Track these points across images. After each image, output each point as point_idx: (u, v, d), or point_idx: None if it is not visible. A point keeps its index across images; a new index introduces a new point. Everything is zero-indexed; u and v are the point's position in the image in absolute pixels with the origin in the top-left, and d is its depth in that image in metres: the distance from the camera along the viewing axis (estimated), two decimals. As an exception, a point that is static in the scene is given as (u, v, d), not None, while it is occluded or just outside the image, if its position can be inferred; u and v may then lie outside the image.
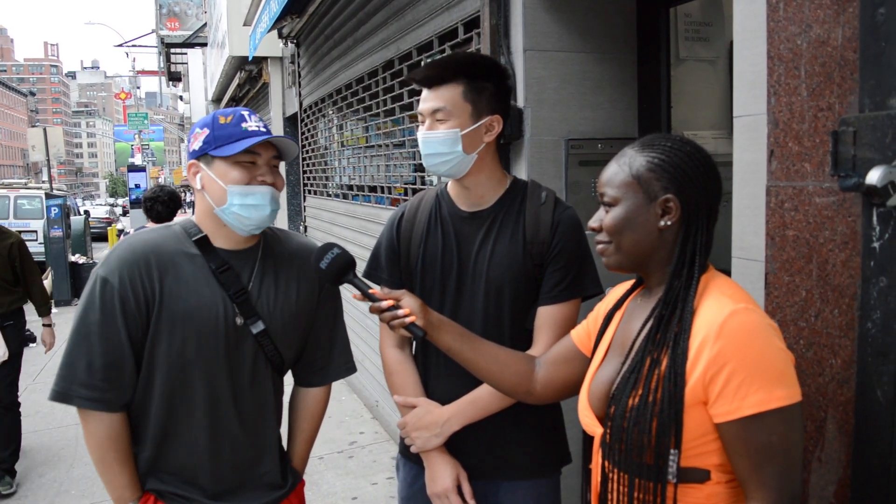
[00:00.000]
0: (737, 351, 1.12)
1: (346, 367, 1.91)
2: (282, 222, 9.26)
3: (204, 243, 1.67)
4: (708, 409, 1.15)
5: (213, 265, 1.65)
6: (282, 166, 9.93)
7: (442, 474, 1.78)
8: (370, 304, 1.52)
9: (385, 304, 1.50)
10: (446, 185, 1.90)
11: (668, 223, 1.24)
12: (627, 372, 1.25)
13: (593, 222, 1.33)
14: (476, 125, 1.74)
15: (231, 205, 1.61)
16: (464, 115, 1.73)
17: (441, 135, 1.73)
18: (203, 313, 1.62)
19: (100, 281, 1.61)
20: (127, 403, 1.65)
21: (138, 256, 1.61)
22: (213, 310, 1.63)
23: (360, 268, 1.94)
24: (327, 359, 1.88)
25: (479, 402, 1.78)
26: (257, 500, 1.74)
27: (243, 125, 1.63)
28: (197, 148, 1.66)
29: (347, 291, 1.67)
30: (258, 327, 1.68)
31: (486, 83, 1.75)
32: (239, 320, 1.66)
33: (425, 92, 1.78)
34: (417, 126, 1.85)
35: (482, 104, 1.74)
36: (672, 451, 1.17)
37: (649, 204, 1.25)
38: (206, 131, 1.64)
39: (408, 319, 1.50)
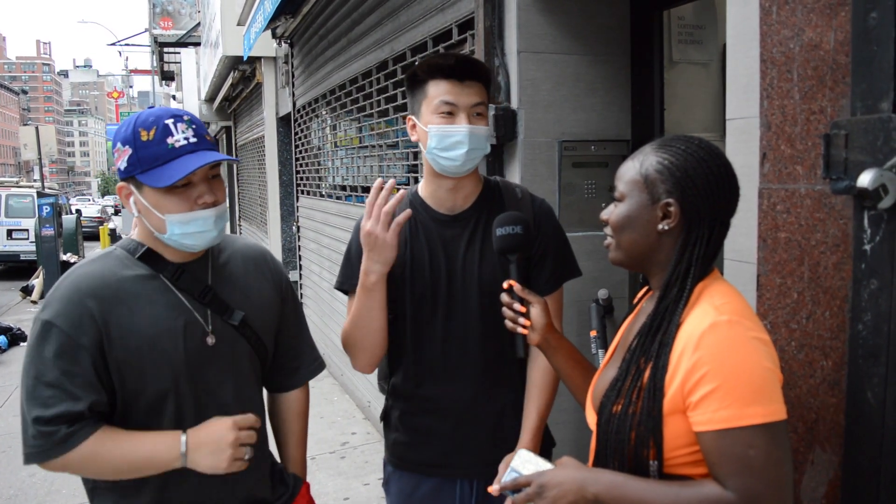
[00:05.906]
0: (712, 363, 1.11)
1: (317, 364, 1.84)
2: (274, 222, 9.23)
3: (150, 256, 1.53)
4: (688, 418, 1.15)
5: (167, 275, 1.53)
6: (272, 167, 9.85)
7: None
8: (504, 293, 1.52)
9: (518, 306, 1.49)
10: (416, 189, 1.87)
11: (667, 227, 1.22)
12: (615, 379, 1.25)
13: (604, 214, 1.31)
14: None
15: (172, 234, 1.48)
16: (488, 112, 1.77)
17: (483, 130, 1.73)
18: (164, 339, 1.49)
19: (42, 326, 1.44)
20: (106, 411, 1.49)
21: (83, 294, 1.45)
22: (175, 332, 1.50)
23: (332, 277, 1.89)
24: (299, 358, 1.81)
25: (542, 411, 1.77)
26: None
27: (169, 141, 1.44)
28: (122, 168, 1.48)
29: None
30: (237, 318, 1.58)
31: (490, 83, 1.80)
32: (210, 340, 1.55)
33: (455, 85, 1.69)
34: (409, 123, 1.80)
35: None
36: (651, 461, 1.18)
37: (652, 205, 1.22)
38: (129, 150, 1.45)
39: (520, 330, 1.49)
